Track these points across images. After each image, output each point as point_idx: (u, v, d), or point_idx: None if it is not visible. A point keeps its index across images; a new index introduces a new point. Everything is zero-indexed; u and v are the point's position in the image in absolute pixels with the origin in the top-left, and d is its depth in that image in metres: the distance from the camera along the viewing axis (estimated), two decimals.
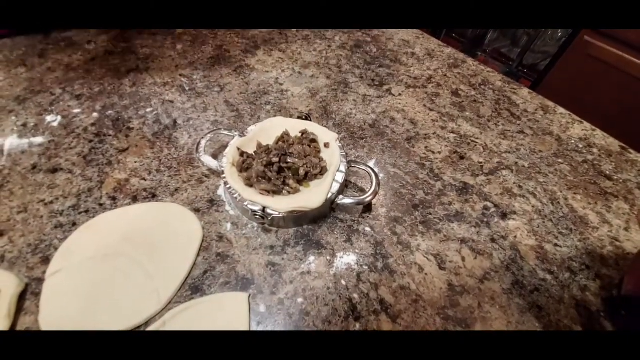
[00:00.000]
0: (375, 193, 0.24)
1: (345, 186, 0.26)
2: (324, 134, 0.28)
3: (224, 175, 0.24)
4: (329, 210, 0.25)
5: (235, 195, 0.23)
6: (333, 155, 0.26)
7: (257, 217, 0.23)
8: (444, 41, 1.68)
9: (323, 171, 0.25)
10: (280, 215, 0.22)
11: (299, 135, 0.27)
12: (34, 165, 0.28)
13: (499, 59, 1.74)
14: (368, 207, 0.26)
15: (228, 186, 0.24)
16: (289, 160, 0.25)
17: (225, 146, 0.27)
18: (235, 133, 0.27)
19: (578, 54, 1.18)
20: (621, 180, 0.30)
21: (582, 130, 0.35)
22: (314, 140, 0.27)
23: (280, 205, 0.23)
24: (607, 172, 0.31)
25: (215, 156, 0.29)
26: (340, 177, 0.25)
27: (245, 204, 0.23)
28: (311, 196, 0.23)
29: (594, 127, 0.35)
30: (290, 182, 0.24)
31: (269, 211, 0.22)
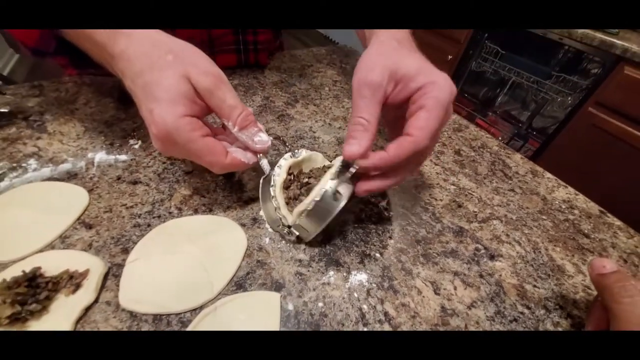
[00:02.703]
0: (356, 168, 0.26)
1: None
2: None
3: (272, 185, 0.29)
4: (333, 202, 0.26)
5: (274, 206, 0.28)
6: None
7: (285, 232, 0.29)
8: (458, 100, 1.80)
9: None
10: (297, 224, 0.27)
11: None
12: (118, 177, 0.35)
13: (509, 120, 1.85)
14: (380, 218, 0.32)
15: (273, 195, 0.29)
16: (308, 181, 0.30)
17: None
18: (288, 154, 0.31)
19: (583, 123, 1.27)
20: (597, 239, 0.35)
21: (566, 193, 0.41)
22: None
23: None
24: (585, 231, 0.36)
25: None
26: (333, 170, 0.27)
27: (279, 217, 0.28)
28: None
29: (577, 192, 0.41)
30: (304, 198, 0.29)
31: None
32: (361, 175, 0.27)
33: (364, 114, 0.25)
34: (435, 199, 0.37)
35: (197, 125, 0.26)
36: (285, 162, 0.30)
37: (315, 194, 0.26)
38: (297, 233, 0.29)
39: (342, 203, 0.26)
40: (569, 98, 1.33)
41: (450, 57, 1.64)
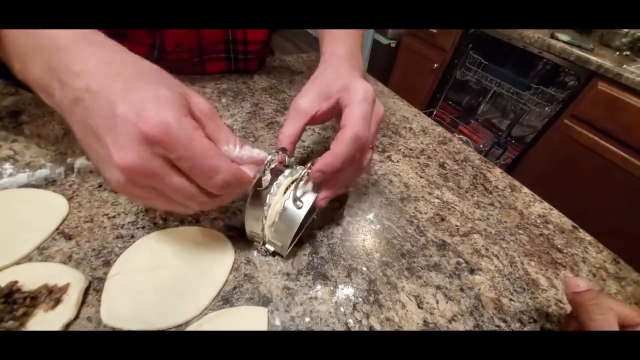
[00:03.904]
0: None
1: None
2: None
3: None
4: (297, 211, 0.27)
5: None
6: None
7: (262, 249, 0.30)
8: (442, 107, 1.85)
9: None
10: (269, 239, 0.29)
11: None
12: (99, 184, 0.34)
13: (490, 129, 1.92)
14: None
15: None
16: None
17: None
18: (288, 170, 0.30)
19: (559, 134, 1.33)
20: (570, 254, 0.37)
21: (542, 208, 0.43)
22: None
23: None
24: (559, 246, 0.38)
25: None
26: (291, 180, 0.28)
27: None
28: None
29: (551, 207, 0.43)
30: None
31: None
32: (322, 184, 0.29)
33: (288, 130, 0.29)
34: (420, 212, 0.38)
35: (199, 127, 0.22)
36: (285, 180, 0.28)
37: (279, 206, 0.27)
38: (272, 249, 0.30)
39: (304, 211, 0.27)
40: (546, 109, 1.39)
41: (436, 65, 1.68)
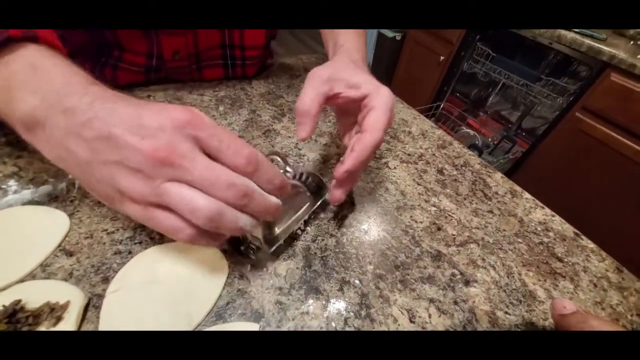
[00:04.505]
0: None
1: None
2: None
3: None
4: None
5: None
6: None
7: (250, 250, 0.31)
8: (449, 100, 1.81)
9: None
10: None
11: None
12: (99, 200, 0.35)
13: (499, 121, 1.87)
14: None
15: None
16: None
17: None
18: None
19: (570, 127, 1.30)
20: (570, 263, 0.37)
21: (543, 215, 0.42)
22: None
23: None
24: (559, 255, 0.37)
25: None
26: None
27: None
28: None
29: (553, 213, 0.43)
30: None
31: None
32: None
33: (306, 99, 0.30)
34: (416, 221, 0.38)
35: None
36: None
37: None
38: (259, 236, 0.29)
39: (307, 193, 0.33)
40: (558, 100, 1.35)
41: (442, 58, 1.64)
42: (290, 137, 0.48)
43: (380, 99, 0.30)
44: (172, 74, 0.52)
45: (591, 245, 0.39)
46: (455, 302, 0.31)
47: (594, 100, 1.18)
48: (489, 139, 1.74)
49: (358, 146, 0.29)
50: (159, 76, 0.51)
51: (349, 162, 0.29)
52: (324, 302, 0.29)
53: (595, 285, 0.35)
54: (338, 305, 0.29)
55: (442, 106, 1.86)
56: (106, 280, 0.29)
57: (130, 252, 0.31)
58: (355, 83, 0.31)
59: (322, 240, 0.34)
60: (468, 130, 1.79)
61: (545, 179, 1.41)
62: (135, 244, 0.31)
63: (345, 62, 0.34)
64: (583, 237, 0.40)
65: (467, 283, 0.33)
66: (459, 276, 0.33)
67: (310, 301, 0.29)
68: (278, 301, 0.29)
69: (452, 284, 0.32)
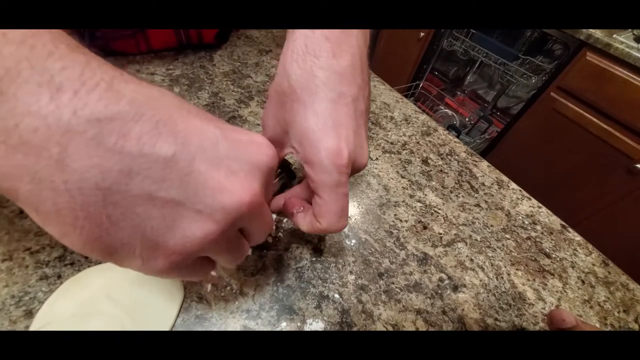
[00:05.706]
0: None
1: None
2: None
3: None
4: None
5: None
6: None
7: None
8: (428, 79, 1.77)
9: None
10: None
11: None
12: (21, 210, 0.28)
13: (476, 101, 1.88)
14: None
15: None
16: None
17: None
18: None
19: (545, 107, 1.31)
20: (558, 259, 0.35)
21: (530, 207, 0.40)
22: None
23: None
24: (547, 250, 0.36)
25: None
26: None
27: None
28: None
29: (540, 205, 0.41)
30: None
31: None
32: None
33: (280, 199, 0.26)
34: (400, 220, 0.35)
35: None
36: None
37: None
38: None
39: None
40: (532, 80, 1.35)
41: (422, 34, 1.58)
42: (259, 124, 0.42)
43: (318, 179, 0.21)
44: (105, 42, 0.43)
45: (578, 238, 0.38)
46: (444, 312, 0.28)
47: (570, 80, 1.19)
48: (467, 119, 1.74)
49: (312, 228, 0.23)
50: (95, 44, 0.42)
51: (302, 225, 0.24)
52: (299, 324, 0.25)
53: (583, 282, 0.33)
54: (315, 326, 0.26)
55: (421, 85, 1.82)
56: (30, 314, 0.23)
57: (59, 276, 0.25)
58: (302, 139, 0.21)
59: (297, 248, 0.30)
60: (447, 110, 1.79)
61: (519, 157, 1.43)
62: (66, 265, 0.26)
63: (305, 76, 0.21)
64: (570, 229, 0.39)
65: (455, 289, 0.30)
66: (447, 281, 0.30)
67: (284, 324, 0.25)
68: (245, 326, 0.25)
69: (439, 291, 0.30)
